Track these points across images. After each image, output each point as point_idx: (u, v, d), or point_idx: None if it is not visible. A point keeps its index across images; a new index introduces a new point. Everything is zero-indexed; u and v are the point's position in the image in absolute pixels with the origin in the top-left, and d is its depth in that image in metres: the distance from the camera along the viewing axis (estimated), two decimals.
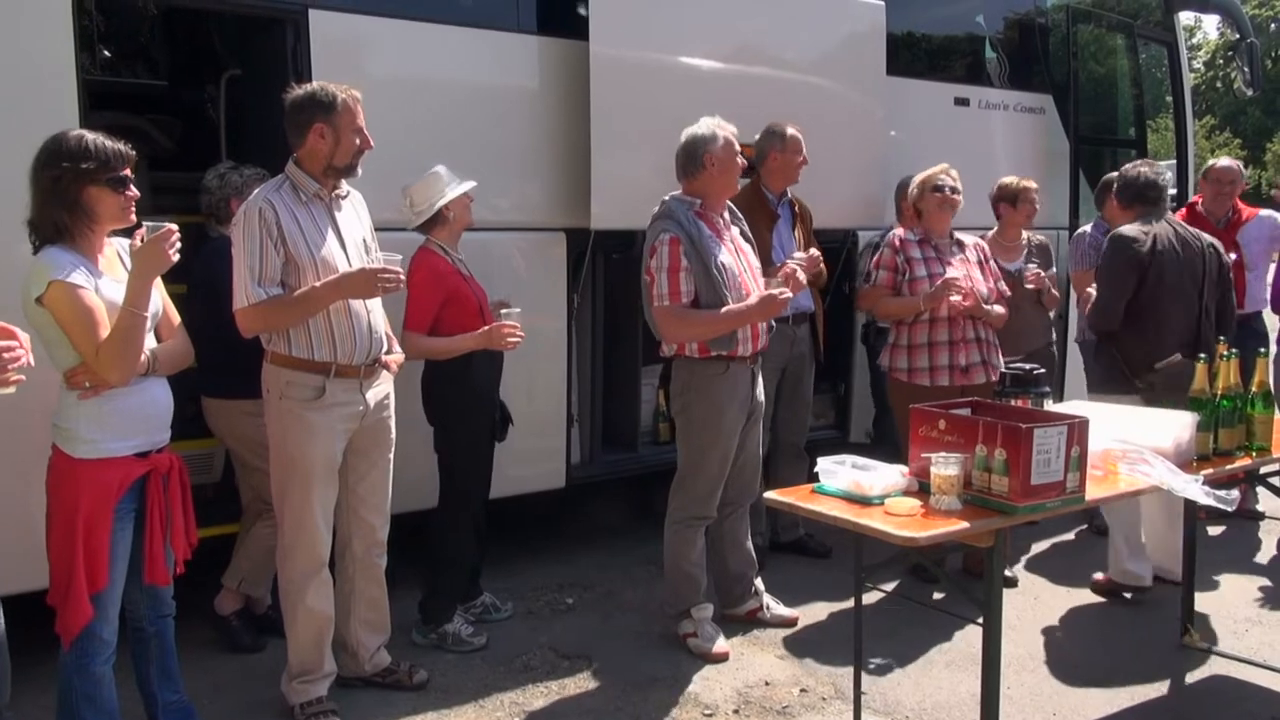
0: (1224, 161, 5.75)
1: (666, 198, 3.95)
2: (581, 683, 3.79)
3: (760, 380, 4.10)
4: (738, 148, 3.93)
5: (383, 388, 3.49)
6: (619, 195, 4.55)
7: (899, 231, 4.69)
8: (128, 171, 2.82)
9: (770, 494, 3.11)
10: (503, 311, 3.91)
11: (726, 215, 4.03)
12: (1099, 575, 4.68)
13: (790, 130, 4.65)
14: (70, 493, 2.76)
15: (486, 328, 3.88)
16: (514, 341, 3.88)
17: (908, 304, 4.53)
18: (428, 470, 4.07)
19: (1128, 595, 4.56)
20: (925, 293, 4.46)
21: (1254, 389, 3.40)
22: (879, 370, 5.26)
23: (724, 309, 3.79)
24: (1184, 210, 5.78)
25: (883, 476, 2.87)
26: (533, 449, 4.64)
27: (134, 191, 2.84)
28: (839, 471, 2.93)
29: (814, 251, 4.35)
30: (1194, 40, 39.56)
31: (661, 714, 3.55)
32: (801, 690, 3.72)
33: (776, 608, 4.31)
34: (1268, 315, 5.87)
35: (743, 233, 4.08)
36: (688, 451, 4.01)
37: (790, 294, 3.87)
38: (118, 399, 2.80)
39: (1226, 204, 5.57)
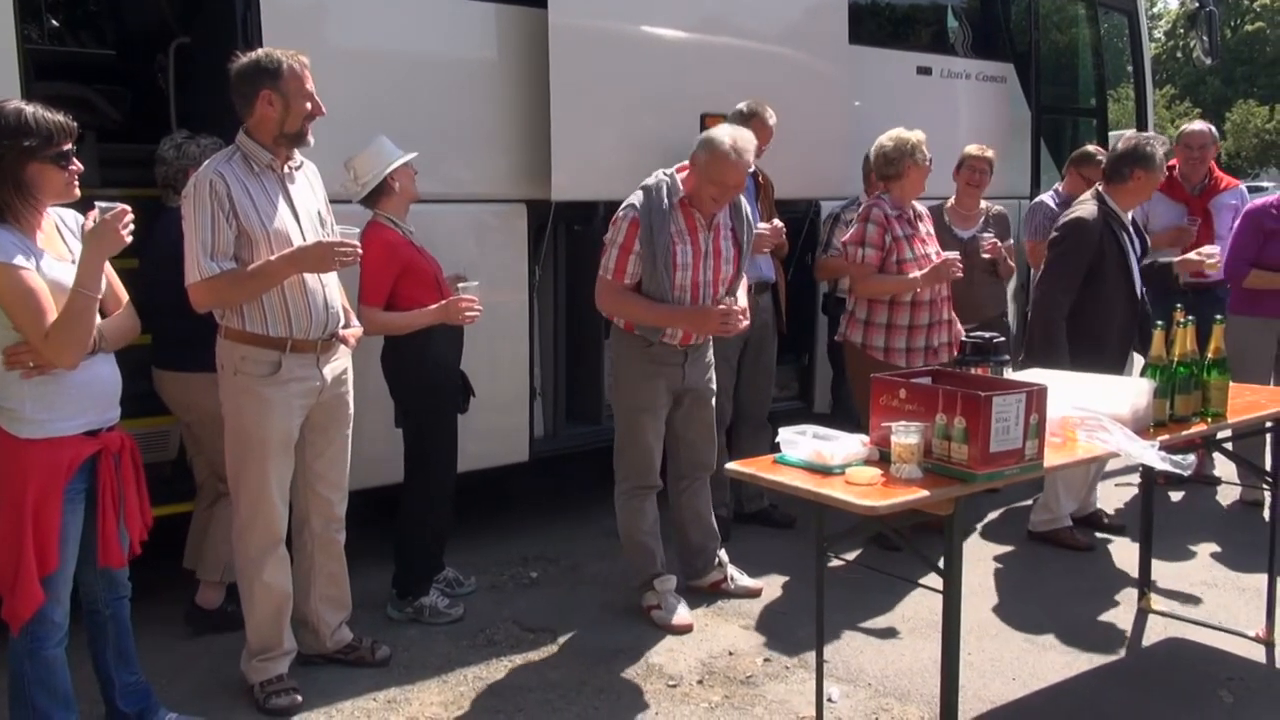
0: (1195, 125, 5.57)
1: (669, 170, 3.82)
2: (545, 655, 3.78)
3: (702, 364, 4.01)
4: (743, 164, 3.66)
5: (340, 363, 3.43)
6: (580, 166, 4.50)
7: (883, 206, 4.41)
8: (70, 145, 2.74)
9: (732, 465, 3.11)
10: (460, 285, 3.86)
11: (722, 215, 3.87)
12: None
13: (770, 116, 4.62)
14: (17, 475, 2.70)
15: (444, 302, 3.83)
16: (472, 316, 3.85)
17: (904, 284, 4.33)
18: (388, 445, 4.03)
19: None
20: (923, 273, 4.30)
21: (1210, 356, 3.42)
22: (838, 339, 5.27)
23: (659, 306, 3.76)
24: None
25: (844, 446, 2.87)
26: (495, 423, 4.60)
27: (77, 165, 2.77)
28: (800, 441, 2.92)
29: (777, 222, 4.33)
30: (1154, 10, 39.84)
31: (625, 686, 3.56)
32: (765, 660, 3.74)
33: (740, 579, 4.32)
34: None
35: (735, 238, 3.93)
36: (619, 419, 4.04)
37: (735, 327, 3.78)
38: (64, 377, 2.73)
39: (1199, 169, 5.42)
